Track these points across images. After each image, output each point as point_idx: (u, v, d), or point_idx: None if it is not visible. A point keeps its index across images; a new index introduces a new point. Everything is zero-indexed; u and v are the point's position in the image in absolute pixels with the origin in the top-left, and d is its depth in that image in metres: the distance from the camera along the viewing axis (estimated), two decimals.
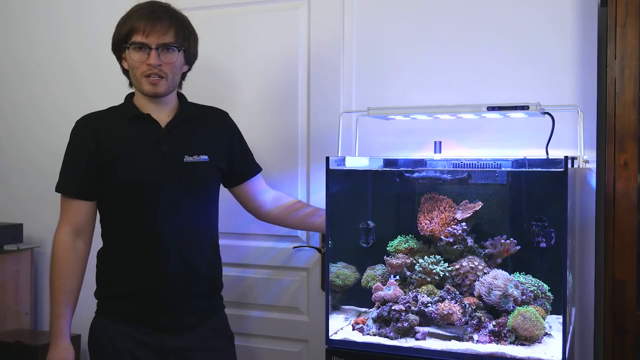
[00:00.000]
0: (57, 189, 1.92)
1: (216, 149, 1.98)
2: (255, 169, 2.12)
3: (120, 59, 1.92)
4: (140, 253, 1.88)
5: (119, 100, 1.99)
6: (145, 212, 1.86)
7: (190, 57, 1.95)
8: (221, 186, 2.08)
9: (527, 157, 1.80)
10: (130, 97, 1.97)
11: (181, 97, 2.00)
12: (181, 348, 1.90)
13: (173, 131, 1.91)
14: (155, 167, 1.86)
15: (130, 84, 1.97)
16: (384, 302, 1.90)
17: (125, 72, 1.94)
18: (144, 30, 1.82)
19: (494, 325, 1.79)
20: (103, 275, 1.94)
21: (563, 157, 1.66)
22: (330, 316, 1.90)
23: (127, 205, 1.88)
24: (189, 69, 1.98)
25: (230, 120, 2.08)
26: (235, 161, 2.04)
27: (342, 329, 1.94)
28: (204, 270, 1.95)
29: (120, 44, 1.87)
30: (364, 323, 1.92)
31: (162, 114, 1.92)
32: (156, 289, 1.87)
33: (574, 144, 1.98)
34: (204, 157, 1.93)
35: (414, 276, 1.97)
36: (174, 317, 1.90)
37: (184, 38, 1.88)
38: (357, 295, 2.09)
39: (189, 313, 1.92)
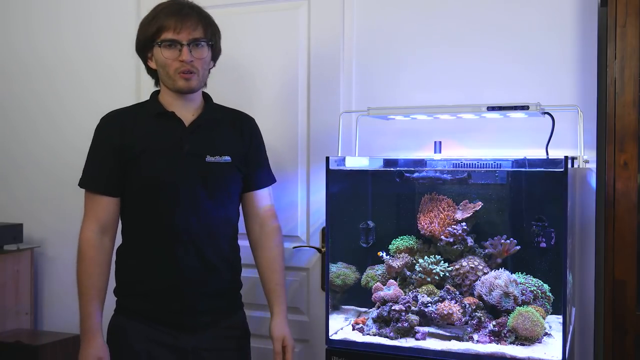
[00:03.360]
0: (83, 185, 1.90)
1: (237, 151, 1.96)
2: (259, 183, 2.04)
3: (146, 59, 1.91)
4: (159, 251, 1.87)
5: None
6: (165, 210, 1.86)
7: (216, 53, 1.96)
8: None
9: (527, 157, 1.80)
10: (155, 94, 1.97)
11: (207, 97, 2.00)
12: (198, 347, 1.89)
13: (197, 130, 1.91)
14: (177, 166, 1.86)
15: (156, 83, 1.96)
16: (384, 302, 1.90)
17: (152, 71, 1.94)
18: (175, 27, 1.83)
19: (494, 325, 1.79)
20: (122, 272, 1.93)
21: (563, 157, 1.66)
22: (330, 316, 1.91)
23: (148, 202, 1.87)
24: (214, 65, 1.99)
25: (255, 127, 2.06)
26: (249, 168, 2.01)
27: (342, 329, 1.94)
28: (222, 270, 1.94)
29: (148, 43, 1.86)
30: (364, 323, 1.92)
31: (187, 112, 1.92)
32: (175, 287, 1.87)
33: (574, 144, 1.98)
34: (227, 158, 1.92)
35: (414, 276, 1.98)
36: (192, 316, 1.89)
37: (212, 33, 1.90)
38: (357, 295, 2.09)
39: (207, 312, 1.91)
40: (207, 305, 1.91)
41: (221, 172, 1.92)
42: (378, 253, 2.03)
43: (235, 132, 1.99)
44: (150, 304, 1.88)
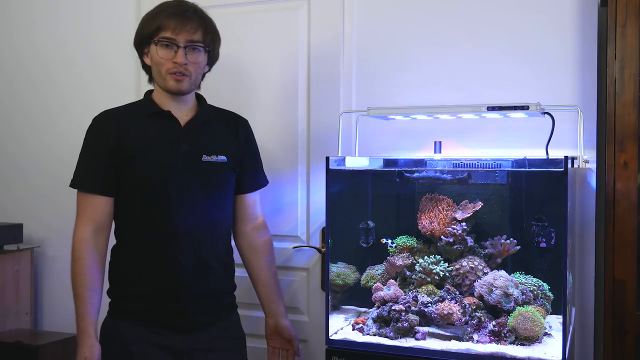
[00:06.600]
0: (76, 186, 1.89)
1: (233, 151, 1.97)
2: (253, 185, 2.06)
3: (142, 54, 1.92)
4: (155, 251, 1.87)
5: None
6: (162, 210, 1.86)
7: (213, 59, 1.96)
8: None
9: (527, 157, 1.80)
10: (149, 93, 1.97)
11: (200, 98, 2.01)
12: (194, 348, 1.89)
13: (193, 130, 1.91)
14: (173, 166, 1.87)
15: (150, 80, 1.97)
16: (384, 302, 1.90)
17: (146, 67, 1.94)
18: (174, 28, 1.83)
19: (494, 325, 1.79)
20: (117, 273, 1.92)
21: (563, 157, 1.66)
22: (330, 316, 1.91)
23: (144, 202, 1.87)
24: (209, 70, 1.99)
25: (249, 129, 2.07)
26: (243, 170, 2.02)
27: (342, 329, 1.94)
28: (217, 270, 1.95)
29: (146, 40, 1.87)
30: (364, 323, 1.92)
31: (182, 113, 1.92)
32: (171, 288, 1.87)
33: (574, 144, 1.98)
34: (222, 158, 1.93)
35: (414, 276, 1.98)
36: (188, 317, 1.89)
37: (211, 39, 1.90)
38: (357, 295, 2.09)
39: (203, 313, 1.91)
40: (204, 306, 1.91)
41: (217, 172, 1.92)
42: (381, 240, 2.03)
43: (231, 132, 2.00)
44: (147, 305, 1.87)
